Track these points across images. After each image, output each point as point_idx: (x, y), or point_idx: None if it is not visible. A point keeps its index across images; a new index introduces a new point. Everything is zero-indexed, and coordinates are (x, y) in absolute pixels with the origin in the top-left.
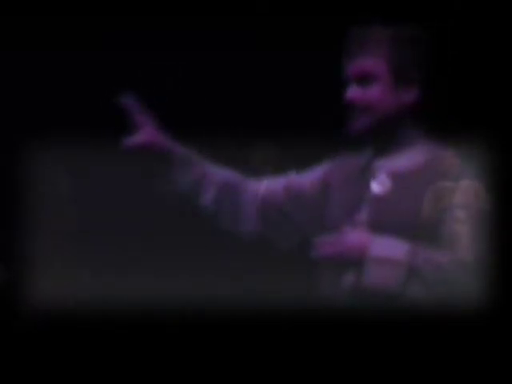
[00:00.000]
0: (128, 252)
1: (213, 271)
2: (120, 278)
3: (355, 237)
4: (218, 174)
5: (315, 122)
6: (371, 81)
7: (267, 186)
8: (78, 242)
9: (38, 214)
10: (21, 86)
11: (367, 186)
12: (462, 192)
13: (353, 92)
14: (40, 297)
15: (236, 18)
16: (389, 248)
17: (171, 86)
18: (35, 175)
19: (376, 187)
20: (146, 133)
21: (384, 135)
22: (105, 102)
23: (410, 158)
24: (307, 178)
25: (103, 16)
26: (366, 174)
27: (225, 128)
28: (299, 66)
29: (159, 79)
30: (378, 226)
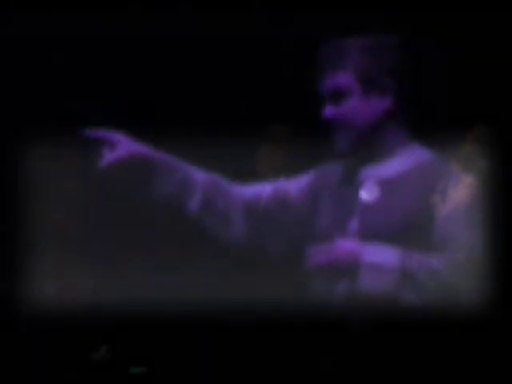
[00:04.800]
0: (127, 252)
1: (208, 276)
2: (120, 278)
3: (347, 245)
4: (203, 178)
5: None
6: (343, 95)
7: (254, 190)
8: (77, 243)
9: (37, 214)
10: (21, 86)
11: (356, 195)
12: (455, 195)
13: (328, 110)
14: (39, 299)
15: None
16: (381, 254)
17: (173, 84)
18: (34, 175)
19: (365, 195)
20: (122, 146)
21: (368, 145)
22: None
23: (397, 164)
24: (294, 185)
25: (103, 14)
26: (353, 183)
27: (228, 129)
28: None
29: (161, 78)
30: (370, 234)
